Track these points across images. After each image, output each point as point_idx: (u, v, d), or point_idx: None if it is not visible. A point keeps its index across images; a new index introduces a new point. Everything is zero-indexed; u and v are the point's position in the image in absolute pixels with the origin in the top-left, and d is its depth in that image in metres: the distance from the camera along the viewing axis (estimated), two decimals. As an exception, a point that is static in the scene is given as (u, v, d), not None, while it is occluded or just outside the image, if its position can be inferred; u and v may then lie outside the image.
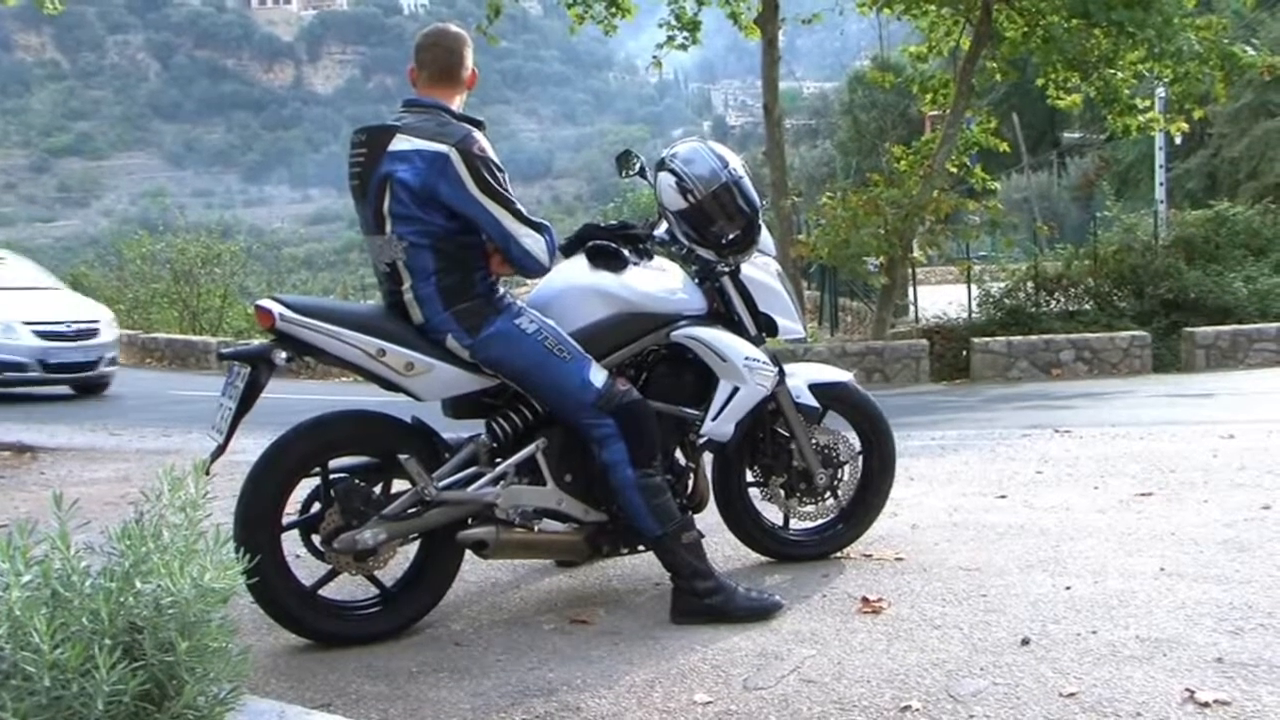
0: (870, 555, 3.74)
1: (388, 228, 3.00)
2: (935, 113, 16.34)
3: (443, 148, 2.93)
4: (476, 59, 3.23)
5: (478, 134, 3.01)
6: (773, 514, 3.76)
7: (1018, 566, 3.52)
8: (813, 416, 3.64)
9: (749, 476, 3.69)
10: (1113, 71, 12.91)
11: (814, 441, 3.65)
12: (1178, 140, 16.02)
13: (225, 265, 21.65)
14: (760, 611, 3.11)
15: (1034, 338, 12.12)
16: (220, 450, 2.96)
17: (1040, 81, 13.85)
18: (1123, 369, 11.65)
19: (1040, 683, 2.52)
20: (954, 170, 13.85)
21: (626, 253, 3.36)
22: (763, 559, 3.74)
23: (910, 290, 15.61)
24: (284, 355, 2.98)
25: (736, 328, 3.46)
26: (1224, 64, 12.24)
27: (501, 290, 3.15)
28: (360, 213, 3.11)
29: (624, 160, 3.67)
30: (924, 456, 5.79)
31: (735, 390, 3.36)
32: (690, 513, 3.35)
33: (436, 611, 3.22)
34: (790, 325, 3.60)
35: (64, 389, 11.60)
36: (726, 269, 3.45)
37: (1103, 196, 20.40)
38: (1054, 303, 13.60)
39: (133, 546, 1.87)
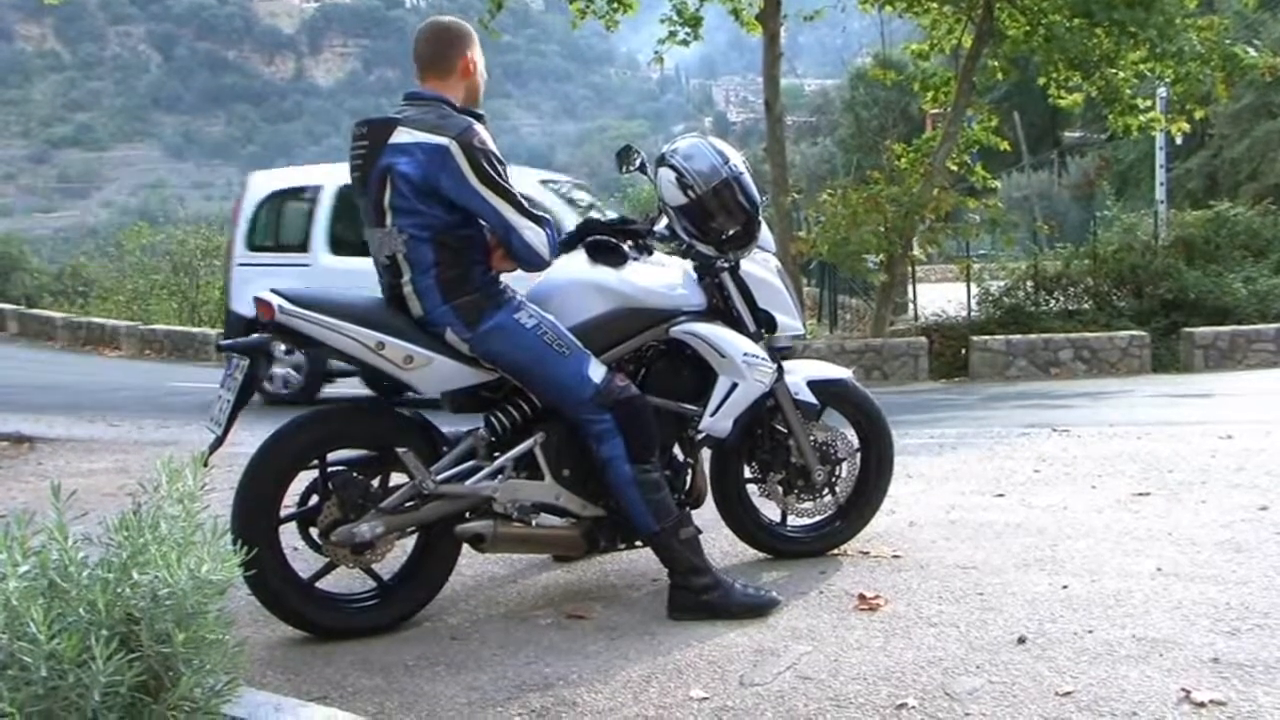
0: (868, 552, 3.75)
1: (388, 220, 3.00)
2: (936, 110, 16.34)
3: (443, 140, 2.93)
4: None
5: (478, 126, 3.01)
6: (770, 510, 3.76)
7: (1015, 565, 3.52)
8: (811, 413, 3.64)
9: (747, 473, 3.69)
10: (1114, 71, 12.91)
11: (812, 438, 3.64)
12: (1178, 140, 16.00)
13: (225, 257, 21.62)
14: (757, 608, 3.11)
15: (1033, 336, 12.13)
16: (218, 442, 2.96)
17: (1042, 80, 13.86)
18: (1121, 369, 11.66)
19: (1036, 681, 2.52)
20: (954, 168, 13.85)
21: (626, 248, 3.36)
22: (760, 555, 3.74)
23: (910, 288, 15.62)
24: (283, 348, 2.98)
25: (736, 324, 3.46)
26: (1225, 64, 12.25)
27: (502, 284, 3.15)
28: (361, 205, 3.11)
29: (624, 156, 3.67)
30: (922, 454, 5.79)
31: (734, 386, 3.36)
32: (688, 509, 3.35)
33: (433, 605, 3.23)
34: (790, 322, 3.60)
35: None
36: (726, 265, 3.44)
37: (1103, 196, 20.43)
38: (1053, 302, 13.61)
39: (130, 538, 1.87)
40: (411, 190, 2.94)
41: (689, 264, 3.49)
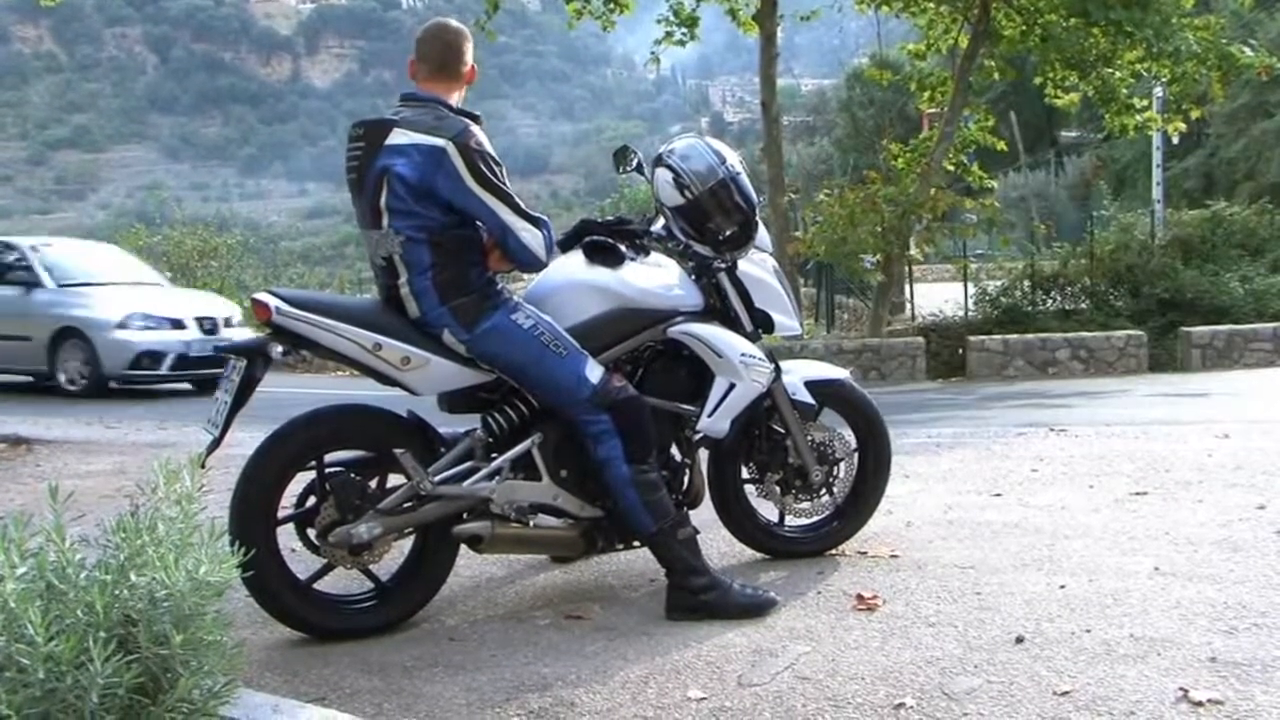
0: (865, 552, 3.75)
1: (384, 222, 3.00)
2: (933, 110, 16.35)
3: (439, 141, 2.93)
4: (475, 54, 3.23)
5: (475, 128, 3.01)
6: (768, 511, 3.76)
7: (1012, 565, 3.52)
8: (809, 413, 3.64)
9: (744, 473, 3.69)
10: (1111, 70, 12.94)
11: (810, 438, 3.64)
12: (1175, 140, 16.05)
13: (222, 259, 21.68)
14: (755, 608, 3.11)
15: (1030, 336, 12.14)
16: (216, 444, 2.96)
17: (1038, 80, 13.88)
18: (1119, 368, 11.67)
19: (1034, 681, 2.52)
20: (951, 168, 13.87)
21: (623, 248, 3.36)
22: (758, 555, 3.74)
23: (907, 288, 15.62)
24: (280, 349, 2.98)
25: (733, 324, 3.46)
26: (1221, 64, 12.27)
27: (499, 285, 3.15)
28: (357, 207, 3.11)
29: (621, 156, 3.67)
30: (919, 454, 5.79)
31: (731, 386, 3.36)
32: (685, 509, 3.35)
33: (431, 606, 3.22)
34: (787, 322, 3.60)
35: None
36: (723, 265, 3.44)
37: (1100, 195, 20.44)
38: (1050, 301, 13.61)
39: (128, 539, 1.87)
40: (408, 192, 2.94)
41: (686, 264, 3.49)
